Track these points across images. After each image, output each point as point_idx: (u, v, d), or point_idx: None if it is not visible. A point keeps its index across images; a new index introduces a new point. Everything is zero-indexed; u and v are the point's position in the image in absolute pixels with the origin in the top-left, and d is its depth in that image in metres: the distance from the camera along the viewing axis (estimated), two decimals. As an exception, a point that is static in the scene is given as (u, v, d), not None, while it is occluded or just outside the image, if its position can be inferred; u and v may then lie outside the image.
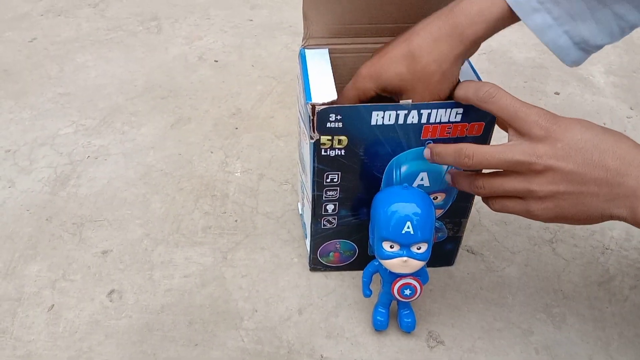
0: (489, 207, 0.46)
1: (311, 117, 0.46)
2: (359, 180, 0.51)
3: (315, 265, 0.60)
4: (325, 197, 0.53)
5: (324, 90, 0.48)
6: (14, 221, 0.65)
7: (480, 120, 0.48)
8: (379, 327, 0.54)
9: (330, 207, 0.54)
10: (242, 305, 0.57)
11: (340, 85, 0.50)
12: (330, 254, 0.59)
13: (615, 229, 0.67)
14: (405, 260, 0.48)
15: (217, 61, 0.94)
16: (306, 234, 0.61)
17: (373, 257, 0.53)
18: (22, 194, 0.69)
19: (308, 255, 0.60)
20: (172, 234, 0.64)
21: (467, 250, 0.64)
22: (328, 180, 0.51)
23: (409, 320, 0.54)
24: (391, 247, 0.48)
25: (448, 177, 0.50)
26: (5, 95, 0.85)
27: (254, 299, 0.57)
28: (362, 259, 0.59)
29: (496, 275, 0.62)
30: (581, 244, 0.65)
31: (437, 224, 0.56)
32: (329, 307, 0.57)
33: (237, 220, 0.66)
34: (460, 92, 0.45)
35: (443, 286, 0.60)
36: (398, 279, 0.50)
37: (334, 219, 0.55)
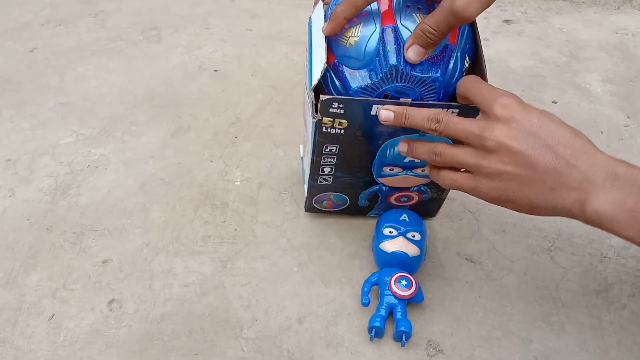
0: (440, 181, 0.48)
1: (314, 103, 0.50)
2: (355, 153, 0.55)
3: (310, 209, 0.67)
4: (323, 162, 0.57)
5: (321, 58, 0.49)
6: (14, 230, 0.66)
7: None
8: (375, 334, 0.54)
9: (327, 169, 0.59)
10: (242, 315, 0.57)
11: None
12: (324, 202, 0.65)
13: (613, 237, 0.67)
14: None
15: (216, 70, 0.95)
16: (305, 179, 0.66)
17: (363, 207, 0.65)
18: (23, 203, 0.69)
19: (305, 202, 0.66)
20: (171, 243, 0.65)
21: (466, 259, 0.64)
22: (327, 150, 0.55)
23: (407, 329, 0.54)
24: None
25: (403, 146, 0.51)
26: (6, 105, 0.86)
27: (253, 308, 0.58)
28: (352, 206, 0.66)
29: (495, 283, 0.62)
30: (579, 252, 0.66)
31: (422, 188, 0.61)
32: (329, 316, 0.57)
33: (236, 229, 0.67)
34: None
35: (442, 295, 0.60)
36: (394, 274, 0.52)
37: (330, 177, 0.60)
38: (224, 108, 0.86)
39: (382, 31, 0.48)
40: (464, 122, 0.44)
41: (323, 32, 0.49)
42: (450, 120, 0.45)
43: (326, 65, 0.48)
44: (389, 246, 0.56)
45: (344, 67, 0.49)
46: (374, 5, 0.49)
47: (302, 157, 0.70)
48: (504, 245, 0.66)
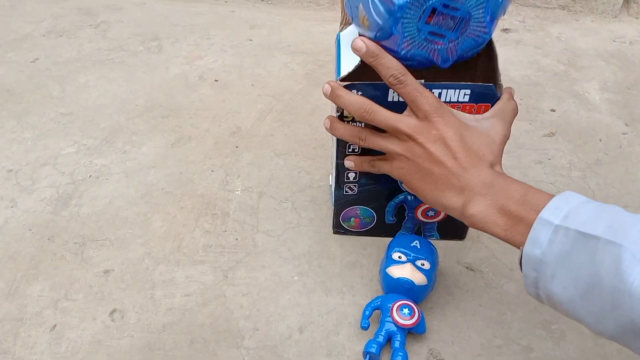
0: (371, 169, 0.55)
1: None
2: (377, 152, 0.55)
3: (338, 229, 0.67)
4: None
5: (351, 63, 0.53)
6: (16, 241, 0.66)
7: (487, 102, 0.53)
8: (370, 354, 0.53)
9: (351, 174, 0.60)
10: (243, 324, 0.57)
11: None
12: (352, 219, 0.65)
13: (613, 245, 0.67)
14: None
15: (217, 80, 0.95)
16: (332, 202, 0.67)
17: (390, 225, 0.65)
18: (25, 213, 0.70)
19: (332, 222, 0.67)
20: (173, 253, 0.65)
21: (467, 267, 0.64)
22: (350, 150, 0.58)
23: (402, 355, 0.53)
24: None
25: (327, 122, 0.55)
26: (8, 116, 0.86)
27: (254, 317, 0.58)
28: (379, 225, 0.66)
29: (495, 292, 0.62)
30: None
31: None
32: (330, 325, 0.57)
33: (237, 239, 0.67)
34: (382, 67, 0.48)
35: (443, 304, 0.60)
36: (397, 301, 0.51)
37: (355, 186, 0.62)
38: (225, 118, 0.87)
39: None
40: (392, 117, 0.49)
41: None
42: (378, 110, 0.50)
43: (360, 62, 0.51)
44: (396, 272, 0.56)
45: None
46: None
47: (330, 185, 0.72)
48: (503, 253, 0.66)
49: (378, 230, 0.66)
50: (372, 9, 0.46)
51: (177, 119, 0.87)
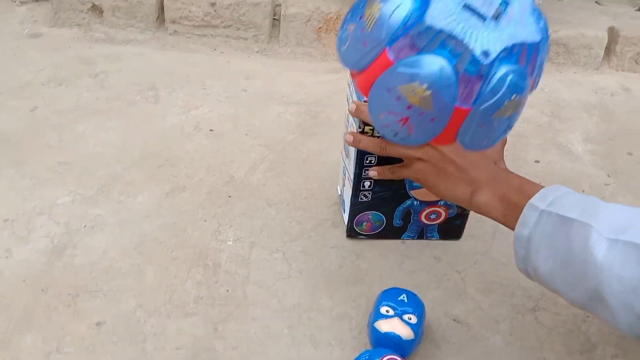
0: (392, 175, 0.63)
1: None
2: (392, 161, 0.61)
3: (351, 233, 0.74)
4: (364, 175, 0.66)
5: None
6: (10, 291, 0.67)
7: None
8: None
9: (367, 183, 0.67)
10: (232, 378, 0.58)
11: None
12: (364, 223, 0.72)
13: (596, 297, 0.69)
14: None
15: (212, 130, 0.98)
16: (344, 209, 0.75)
17: (396, 228, 0.73)
18: (19, 263, 0.71)
19: (345, 225, 0.74)
20: (164, 305, 0.66)
21: (453, 320, 0.66)
22: (367, 161, 0.64)
23: None
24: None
25: (349, 137, 0.63)
26: (6, 164, 0.88)
27: (244, 371, 0.59)
28: (387, 228, 0.73)
29: (482, 344, 0.63)
30: (563, 312, 0.67)
31: (448, 202, 0.68)
32: (318, 379, 0.58)
33: (228, 290, 0.68)
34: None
35: (430, 357, 0.61)
36: (384, 355, 0.53)
37: (369, 193, 0.68)
38: (219, 167, 0.89)
39: None
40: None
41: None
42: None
43: None
44: (383, 326, 0.57)
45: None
46: None
47: (339, 195, 0.80)
48: (489, 305, 0.68)
49: (386, 232, 0.74)
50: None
51: (172, 168, 0.89)
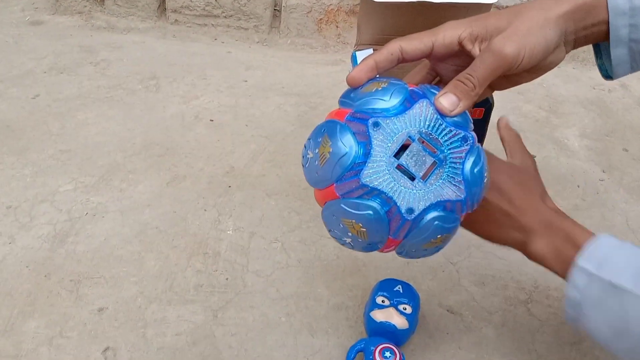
0: None
1: None
2: None
3: None
4: None
5: None
6: (13, 278, 0.68)
7: (481, 107, 0.57)
8: None
9: None
10: (231, 364, 0.59)
11: None
12: None
13: (587, 290, 0.71)
14: None
15: (212, 120, 0.99)
16: None
17: None
18: (22, 250, 0.72)
19: None
20: (165, 292, 0.67)
21: (447, 310, 0.67)
22: None
23: None
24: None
25: None
26: (8, 152, 0.89)
27: (242, 358, 0.60)
28: None
29: (474, 335, 0.65)
30: (555, 304, 0.69)
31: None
32: (315, 366, 0.60)
33: (227, 279, 0.70)
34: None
35: (423, 346, 0.63)
36: (379, 344, 0.54)
37: None
38: (219, 157, 0.90)
39: (410, 90, 0.44)
40: None
41: (347, 79, 0.46)
42: None
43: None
44: (379, 315, 0.58)
45: (364, 112, 0.43)
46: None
47: None
48: (483, 296, 0.69)
49: None
50: (338, 135, 0.43)
51: (173, 157, 0.90)
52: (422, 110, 0.43)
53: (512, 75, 0.47)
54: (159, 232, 0.76)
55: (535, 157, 0.94)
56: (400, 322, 0.58)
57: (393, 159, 0.42)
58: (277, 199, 0.82)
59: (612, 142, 1.00)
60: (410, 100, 0.43)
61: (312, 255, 0.73)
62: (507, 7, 1.18)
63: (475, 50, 0.45)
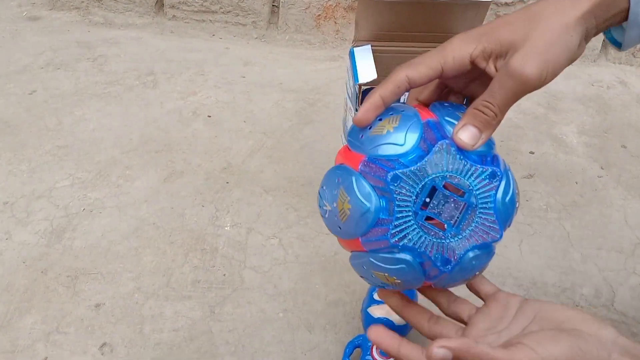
0: None
1: (357, 94, 0.62)
2: None
3: None
4: None
5: (367, 74, 0.64)
6: (10, 273, 0.68)
7: None
8: None
9: None
10: (228, 360, 0.59)
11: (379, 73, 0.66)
12: None
13: (585, 287, 0.71)
14: None
15: (210, 116, 0.99)
16: None
17: None
18: (19, 246, 0.72)
19: None
20: (162, 288, 0.67)
21: (445, 306, 0.67)
22: None
23: None
24: None
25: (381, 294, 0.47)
26: (5, 148, 0.89)
27: (240, 353, 0.60)
28: None
29: (472, 331, 0.65)
30: (552, 300, 0.69)
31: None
32: (312, 362, 0.60)
33: (225, 274, 0.69)
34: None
35: (421, 342, 0.62)
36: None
37: None
38: (216, 153, 0.90)
39: (424, 124, 0.40)
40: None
41: (354, 122, 0.42)
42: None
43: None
44: (376, 311, 0.58)
45: (378, 162, 0.39)
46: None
47: None
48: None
49: None
50: (356, 189, 0.39)
51: (170, 153, 0.89)
52: (442, 154, 0.38)
53: None
54: (156, 228, 0.76)
55: (533, 153, 0.95)
56: (397, 318, 0.58)
57: (420, 212, 0.38)
58: (274, 195, 0.82)
59: (611, 139, 1.00)
60: (425, 140, 0.39)
61: (309, 252, 0.73)
62: (504, 2, 1.17)
63: (490, 68, 0.40)
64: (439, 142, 0.38)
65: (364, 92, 0.65)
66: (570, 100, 1.11)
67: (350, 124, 0.71)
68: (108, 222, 0.76)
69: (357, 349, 0.58)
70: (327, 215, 0.42)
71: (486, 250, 0.41)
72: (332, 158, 0.87)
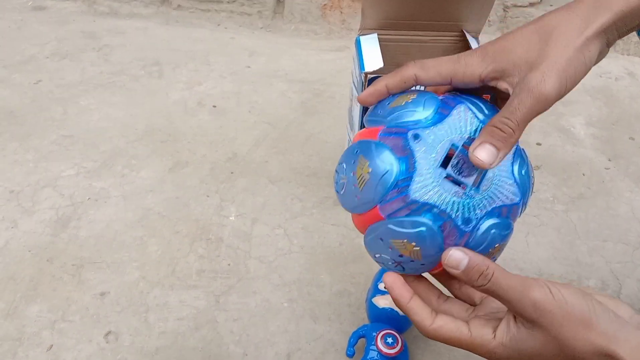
0: None
1: (363, 83, 0.62)
2: None
3: None
4: None
5: (374, 62, 0.64)
6: (16, 262, 0.68)
7: (487, 93, 0.54)
8: None
9: None
10: (233, 349, 0.59)
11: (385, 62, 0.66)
12: None
13: (592, 279, 0.70)
14: None
15: (215, 106, 0.98)
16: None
17: None
18: (25, 234, 0.72)
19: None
20: (167, 277, 0.67)
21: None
22: None
23: None
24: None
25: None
26: (11, 137, 0.89)
27: (244, 343, 0.60)
28: None
29: (477, 322, 0.64)
30: (559, 292, 0.69)
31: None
32: (317, 352, 0.60)
33: (230, 264, 0.69)
34: (451, 262, 0.38)
35: (426, 333, 0.62)
36: (381, 330, 0.54)
37: None
38: (222, 143, 0.90)
39: (441, 98, 0.41)
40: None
41: (358, 99, 0.43)
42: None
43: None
44: (381, 302, 0.58)
45: (398, 126, 0.40)
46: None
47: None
48: (486, 284, 0.69)
49: None
50: (375, 152, 0.40)
51: (176, 143, 0.89)
52: (460, 116, 0.39)
53: None
54: (162, 217, 0.76)
55: (540, 144, 0.94)
56: (402, 308, 0.58)
57: (440, 170, 0.38)
58: (279, 186, 0.82)
59: (618, 131, 0.99)
60: (444, 107, 0.40)
61: (314, 242, 0.73)
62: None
63: (503, 86, 0.40)
64: (457, 106, 0.39)
65: (369, 81, 0.64)
66: (578, 91, 1.10)
67: (356, 113, 0.71)
68: (113, 211, 0.76)
69: (361, 339, 0.58)
70: (343, 190, 0.42)
71: (505, 222, 0.41)
72: (338, 149, 0.87)
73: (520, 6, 1.28)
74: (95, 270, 0.67)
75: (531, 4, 1.27)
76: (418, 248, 0.40)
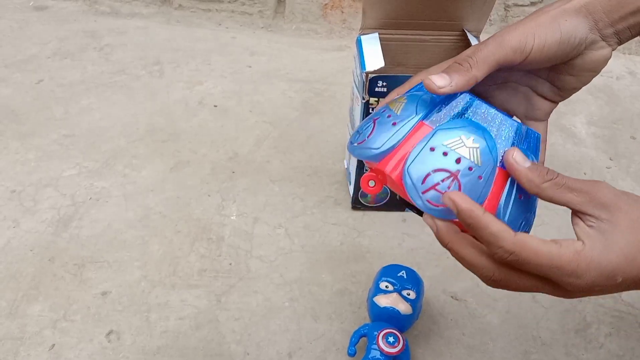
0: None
1: (364, 82, 0.64)
2: None
3: (356, 204, 0.77)
4: None
5: (375, 62, 0.65)
6: (17, 261, 0.68)
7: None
8: None
9: None
10: (234, 348, 0.59)
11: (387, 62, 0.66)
12: (369, 195, 0.75)
13: (593, 278, 0.70)
14: None
15: (216, 106, 0.98)
16: (350, 181, 0.78)
17: (401, 201, 0.70)
18: (26, 234, 0.72)
19: (351, 197, 0.77)
20: (168, 276, 0.67)
21: (452, 297, 0.67)
22: None
23: None
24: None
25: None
26: (12, 136, 0.89)
27: (246, 342, 0.60)
28: (392, 201, 0.76)
29: (478, 321, 0.64)
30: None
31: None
32: (318, 351, 0.60)
33: (231, 264, 0.69)
34: (519, 157, 0.39)
35: (427, 332, 0.62)
36: (382, 329, 0.54)
37: None
38: (223, 143, 0.90)
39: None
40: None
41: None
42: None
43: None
44: (382, 300, 0.58)
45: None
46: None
47: (346, 167, 0.83)
48: (487, 283, 0.69)
49: (390, 205, 0.77)
50: (409, 85, 0.43)
51: (177, 143, 0.89)
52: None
53: (554, 78, 0.45)
54: (163, 217, 0.76)
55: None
56: (404, 307, 0.58)
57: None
58: (281, 185, 0.82)
59: (620, 130, 0.99)
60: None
61: (316, 241, 0.73)
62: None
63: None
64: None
65: (371, 80, 0.64)
66: (579, 90, 1.10)
67: (357, 112, 0.71)
68: (114, 211, 0.76)
69: (362, 338, 0.58)
70: (374, 129, 0.41)
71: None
72: (339, 148, 0.87)
73: (522, 5, 1.28)
74: (96, 270, 0.68)
75: (532, 3, 1.27)
76: (477, 145, 0.38)
